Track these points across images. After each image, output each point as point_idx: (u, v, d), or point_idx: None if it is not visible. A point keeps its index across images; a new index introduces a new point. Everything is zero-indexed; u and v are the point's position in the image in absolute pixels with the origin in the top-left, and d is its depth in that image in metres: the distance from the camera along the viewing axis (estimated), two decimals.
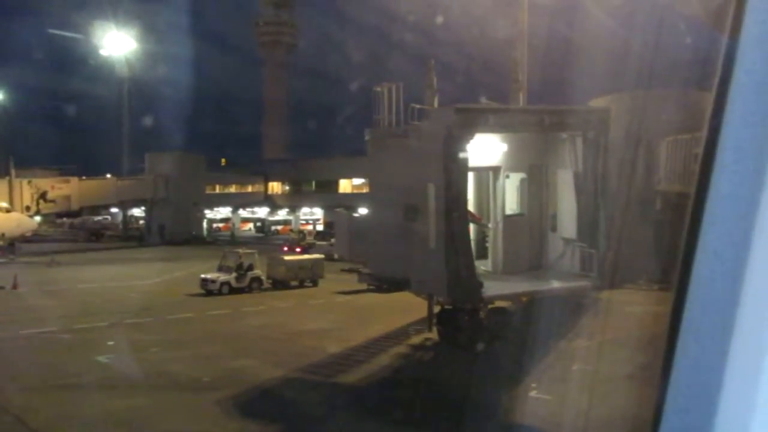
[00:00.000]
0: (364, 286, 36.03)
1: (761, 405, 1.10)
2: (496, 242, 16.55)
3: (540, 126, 14.62)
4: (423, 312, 22.13)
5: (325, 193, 70.72)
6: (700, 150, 1.28)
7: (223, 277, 32.53)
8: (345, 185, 71.42)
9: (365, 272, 38.85)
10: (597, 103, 17.45)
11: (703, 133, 1.26)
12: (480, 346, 15.43)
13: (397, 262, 16.04)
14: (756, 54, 1.17)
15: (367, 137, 18.38)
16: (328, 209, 67.58)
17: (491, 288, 14.13)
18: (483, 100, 17.15)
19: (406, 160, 15.51)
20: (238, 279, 32.71)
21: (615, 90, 16.21)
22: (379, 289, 36.54)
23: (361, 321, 24.98)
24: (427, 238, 14.54)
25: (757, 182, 1.14)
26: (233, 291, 32.07)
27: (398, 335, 23.18)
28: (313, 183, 74.88)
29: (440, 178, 13.86)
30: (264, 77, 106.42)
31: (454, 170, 13.38)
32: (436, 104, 18.59)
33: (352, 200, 59.76)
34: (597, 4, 17.18)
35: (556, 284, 15.35)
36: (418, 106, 18.39)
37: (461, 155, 13.49)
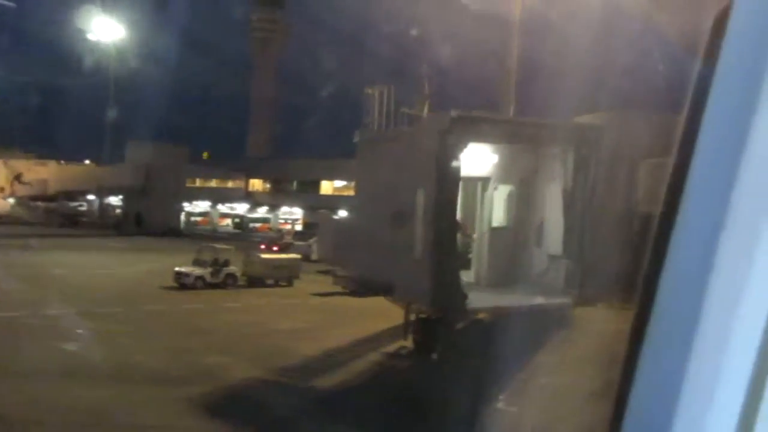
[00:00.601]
0: (339, 289, 36.62)
1: (716, 421, 1.13)
2: (480, 254, 16.35)
3: (534, 139, 14.48)
4: (397, 318, 22.04)
5: (306, 193, 70.56)
6: (669, 173, 1.31)
7: (198, 271, 32.19)
8: (326, 187, 71.35)
9: (342, 275, 38.81)
10: (581, 120, 17.25)
11: (674, 157, 1.28)
12: (450, 356, 15.28)
13: (381, 268, 15.84)
14: (731, 82, 1.19)
15: (356, 139, 18.14)
16: (308, 210, 67.26)
17: (475, 300, 13.89)
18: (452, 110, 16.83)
19: (397, 164, 15.33)
20: (213, 274, 32.37)
21: (594, 110, 16.26)
22: (354, 293, 36.91)
23: (336, 323, 24.67)
24: (413, 245, 14.29)
25: (723, 208, 1.16)
26: (208, 286, 31.72)
27: (372, 341, 23.05)
28: (295, 183, 74.71)
29: (431, 186, 13.65)
30: (253, 75, 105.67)
31: (446, 178, 13.16)
32: (426, 110, 18.52)
33: (333, 202, 59.52)
34: (578, 25, 17.20)
35: (540, 299, 15.20)
36: (408, 111, 18.25)
37: (454, 163, 13.28)
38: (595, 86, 15.51)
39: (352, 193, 67.88)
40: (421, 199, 14.14)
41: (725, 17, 1.21)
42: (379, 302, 21.58)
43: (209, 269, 32.43)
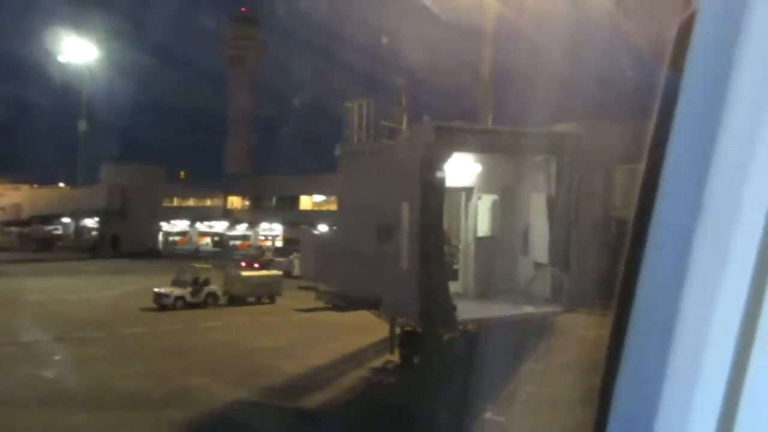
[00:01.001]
0: (322, 304, 36.48)
1: (698, 421, 1.16)
2: (466, 264, 16.24)
3: (517, 148, 14.46)
4: (382, 332, 21.93)
5: (286, 209, 69.90)
6: (641, 176, 1.34)
7: (177, 291, 31.89)
8: (306, 202, 70.86)
9: (324, 290, 38.59)
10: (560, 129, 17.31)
11: (645, 162, 1.31)
12: (439, 368, 15.19)
13: (366, 282, 15.71)
14: (698, 88, 1.21)
15: (337, 153, 18.02)
16: (288, 226, 66.89)
17: (464, 311, 13.74)
18: (425, 118, 16.75)
19: (380, 177, 15.23)
20: (193, 294, 32.18)
21: (569, 119, 16.37)
22: (337, 308, 36.69)
23: (320, 339, 24.75)
24: (399, 258, 14.13)
25: (695, 212, 1.19)
26: (188, 306, 31.48)
27: (358, 356, 22.88)
28: (274, 199, 74.07)
29: (416, 197, 13.54)
30: (229, 92, 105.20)
31: (431, 189, 13.05)
32: (405, 123, 18.40)
33: (313, 217, 59.17)
34: (549, 35, 17.39)
35: (528, 309, 15.12)
36: (388, 123, 18.17)
37: (438, 174, 13.19)
38: (569, 95, 15.56)
39: (332, 207, 68.05)
40: (406, 211, 14.01)
41: (691, 24, 1.22)
42: (363, 317, 21.43)
43: (189, 289, 32.19)
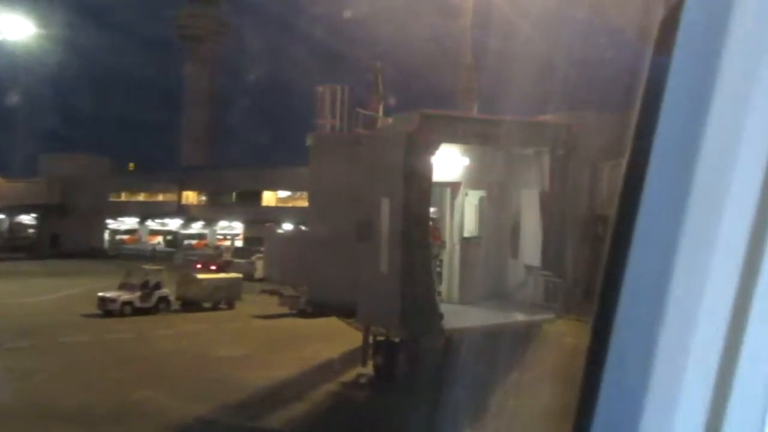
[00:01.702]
0: (286, 310, 36.36)
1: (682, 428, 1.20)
2: (451, 267, 16.08)
3: (508, 140, 14.32)
4: (351, 340, 21.73)
5: (247, 205, 68.92)
6: (624, 171, 1.36)
7: (125, 295, 31.60)
8: (269, 198, 70.31)
9: (289, 295, 38.32)
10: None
11: (628, 155, 1.34)
12: (418, 383, 14.94)
13: (339, 286, 15.43)
14: (686, 75, 1.25)
15: (309, 143, 17.67)
16: (249, 224, 66.26)
17: (450, 319, 13.52)
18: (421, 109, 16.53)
19: (357, 170, 15.01)
20: (142, 298, 31.90)
21: (555, 110, 16.37)
22: (302, 314, 36.50)
23: (283, 348, 24.64)
24: (378, 260, 13.91)
25: (682, 207, 1.22)
26: (137, 312, 31.22)
27: (326, 368, 22.72)
28: (234, 194, 73.19)
29: (398, 193, 13.36)
30: (185, 77, 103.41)
31: (416, 184, 12.89)
32: (381, 111, 18.27)
33: (277, 214, 58.66)
34: (533, 21, 17.44)
35: (519, 316, 15.01)
36: (364, 111, 17.93)
37: (424, 168, 12.96)
38: (555, 83, 15.71)
39: (297, 204, 67.65)
40: (386, 208, 13.83)
41: (678, 10, 1.25)
42: (330, 324, 21.24)
43: (138, 293, 31.94)
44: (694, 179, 1.21)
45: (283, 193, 69.19)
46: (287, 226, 49.65)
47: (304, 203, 65.99)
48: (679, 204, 1.22)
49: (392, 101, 19.97)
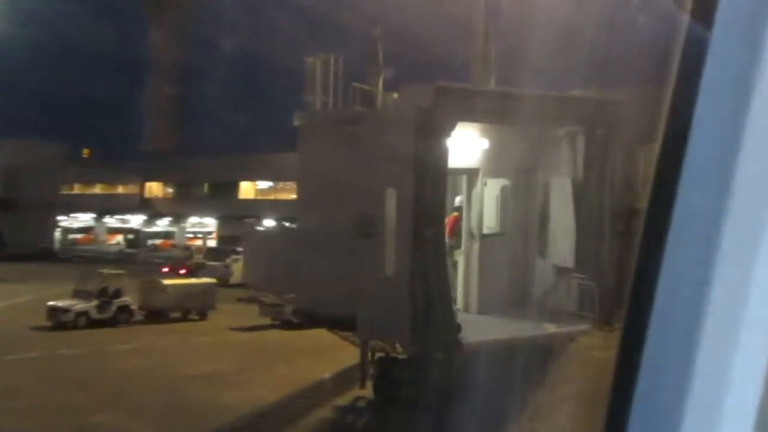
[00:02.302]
0: (267, 321, 36.42)
1: None
2: (469, 270, 15.90)
3: (539, 117, 14.14)
4: (345, 356, 21.66)
5: (221, 199, 69.49)
6: (656, 158, 1.40)
7: (79, 305, 31.65)
8: (247, 189, 70.36)
9: (271, 303, 38.18)
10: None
11: (661, 137, 1.38)
12: (428, 410, 14.59)
13: (336, 295, 15.15)
14: (729, 43, 1.27)
15: (297, 122, 17.50)
16: (223, 220, 66.38)
17: (470, 332, 13.33)
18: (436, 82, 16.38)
19: (356, 155, 14.77)
20: (100, 308, 32.02)
21: (577, 84, 16.35)
22: (286, 325, 36.50)
23: (264, 366, 25.02)
24: (382, 261, 13.78)
25: (727, 194, 1.23)
26: (93, 324, 31.41)
27: (316, 389, 22.67)
28: (206, 185, 73.65)
29: (407, 182, 13.19)
30: (147, 47, 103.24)
31: (429, 172, 12.77)
32: (381, 85, 17.97)
33: (256, 209, 58.74)
34: None
35: (550, 328, 14.86)
36: (361, 86, 17.67)
37: (439, 151, 12.76)
38: (580, 56, 15.42)
39: (281, 196, 67.77)
40: (392, 200, 13.64)
41: None
42: (321, 336, 21.16)
43: (95, 302, 31.92)
44: (738, 167, 1.20)
45: (264, 184, 69.40)
46: (269, 223, 49.66)
47: (289, 195, 66.30)
48: (722, 196, 1.22)
49: (393, 74, 19.36)
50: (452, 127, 13.12)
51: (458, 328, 13.02)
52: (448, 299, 13.18)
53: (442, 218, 13.89)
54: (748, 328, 1.20)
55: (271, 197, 67.11)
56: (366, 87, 18.04)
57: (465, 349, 13.16)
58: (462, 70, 22.89)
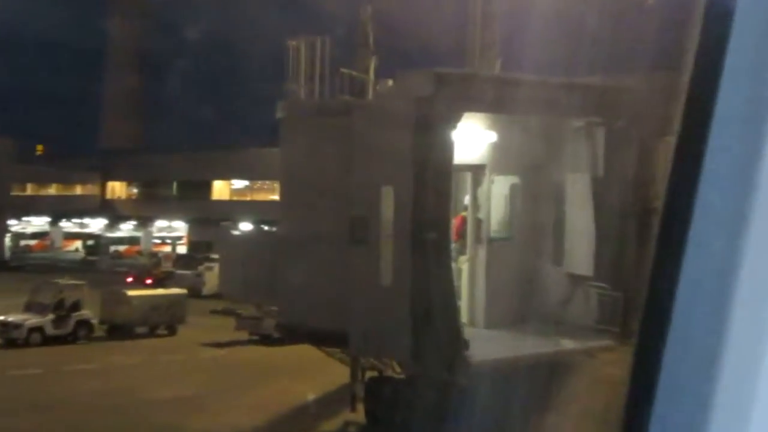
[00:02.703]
0: (245, 336, 36.32)
1: None
2: (474, 279, 15.78)
3: (553, 108, 14.04)
4: (330, 375, 21.56)
5: (192, 199, 69.10)
6: (673, 153, 1.44)
7: (33, 320, 31.64)
8: (221, 189, 70.18)
9: (249, 316, 37.98)
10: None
11: (679, 130, 1.42)
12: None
13: (326, 307, 15.12)
14: (753, 27, 1.29)
15: (280, 114, 17.23)
16: (195, 223, 66.20)
17: (478, 349, 13.15)
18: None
19: (348, 150, 14.59)
20: (56, 323, 32.02)
21: (587, 71, 16.01)
22: (265, 340, 36.36)
23: (241, 387, 25.15)
24: (378, 269, 13.64)
25: (750, 190, 1.26)
26: (49, 340, 31.44)
27: (301, 414, 22.58)
28: (175, 185, 73.28)
29: (406, 180, 13.00)
30: (107, 34, 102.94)
31: (431, 168, 12.60)
32: (372, 71, 17.97)
33: (231, 211, 58.47)
34: None
35: (568, 344, 14.76)
36: (350, 72, 17.57)
37: (443, 145, 12.65)
38: (590, 41, 15.38)
39: (258, 197, 67.51)
40: (389, 200, 13.45)
41: None
42: (304, 353, 21.08)
43: (50, 316, 31.90)
44: (761, 164, 1.21)
45: (240, 183, 69.28)
46: (246, 227, 49.59)
47: (268, 196, 66.15)
48: (745, 196, 1.24)
49: (385, 59, 19.26)
50: (457, 118, 12.99)
51: (465, 344, 12.86)
52: (453, 312, 13.04)
53: (447, 220, 13.77)
54: None
55: (248, 198, 67.00)
56: (355, 74, 17.93)
57: (472, 368, 13.01)
58: (461, 56, 22.78)
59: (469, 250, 15.89)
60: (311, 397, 24.50)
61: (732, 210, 1.26)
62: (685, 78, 1.37)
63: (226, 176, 69.16)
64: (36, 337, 31.38)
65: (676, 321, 1.32)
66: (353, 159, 14.44)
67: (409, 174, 12.92)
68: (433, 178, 12.78)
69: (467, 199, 15.99)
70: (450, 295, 13.07)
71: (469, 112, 13.44)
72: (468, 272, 15.84)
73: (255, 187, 68.11)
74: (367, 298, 14.05)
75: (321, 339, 16.86)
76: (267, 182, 66.12)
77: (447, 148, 12.90)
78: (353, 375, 19.53)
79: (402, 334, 13.14)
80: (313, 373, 23.95)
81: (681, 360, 1.32)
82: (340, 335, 15.12)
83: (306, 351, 19.90)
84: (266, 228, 34.03)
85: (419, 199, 12.76)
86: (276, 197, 64.62)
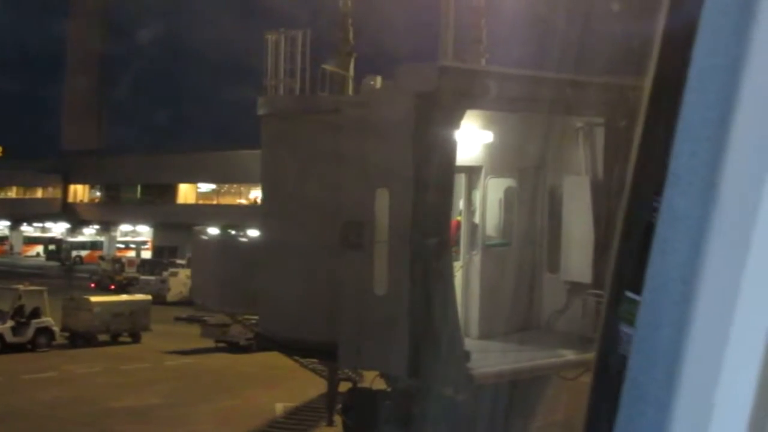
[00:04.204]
0: (211, 343, 36.18)
1: None
2: (467, 287, 15.27)
3: (555, 105, 13.61)
4: (302, 384, 21.28)
5: (157, 203, 69.09)
6: (635, 157, 1.49)
7: None
8: (187, 193, 70.09)
9: (215, 323, 37.56)
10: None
11: (641, 132, 1.49)
12: None
13: (313, 317, 14.63)
14: (720, 30, 1.29)
15: (262, 111, 16.63)
16: (159, 228, 66.33)
17: (480, 361, 12.65)
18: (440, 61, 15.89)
19: (338, 150, 14.06)
20: (15, 330, 32.41)
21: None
22: (234, 347, 36.11)
23: (207, 397, 25.66)
24: (371, 276, 13.00)
25: (715, 194, 1.28)
26: (7, 348, 31.68)
27: (271, 427, 22.31)
28: (139, 188, 72.89)
29: (404, 182, 12.41)
30: (66, 34, 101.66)
31: (433, 168, 12.12)
32: (351, 68, 17.82)
33: (198, 215, 58.26)
34: None
35: (568, 354, 14.30)
36: (332, 69, 17.22)
37: (445, 144, 12.09)
38: (582, 39, 14.94)
39: (225, 201, 67.33)
40: (384, 202, 12.87)
41: None
42: (274, 361, 20.72)
43: (9, 323, 32.34)
44: (728, 168, 1.24)
45: (206, 186, 69.31)
46: (213, 231, 49.60)
47: (235, 199, 66.05)
48: (710, 200, 1.26)
49: (363, 57, 19.11)
50: (461, 115, 12.49)
51: (467, 355, 12.33)
52: (454, 322, 12.53)
53: (448, 225, 13.25)
54: (737, 337, 1.24)
55: (214, 202, 66.77)
56: (335, 70, 17.43)
57: (474, 381, 12.49)
58: (444, 54, 22.42)
59: (462, 256, 15.41)
60: (284, 407, 24.21)
61: (697, 215, 1.26)
62: (648, 80, 1.37)
63: (192, 179, 69.23)
64: None
65: (639, 328, 1.33)
66: (344, 159, 13.89)
67: (407, 175, 12.42)
68: (435, 180, 12.29)
69: (461, 203, 15.50)
70: (451, 305, 12.57)
71: (473, 109, 13.02)
72: (462, 280, 15.38)
73: (222, 190, 67.84)
74: (360, 308, 13.49)
75: (305, 350, 16.33)
76: (234, 186, 65.96)
77: (450, 148, 12.36)
78: (331, 386, 19.06)
79: (399, 346, 12.60)
80: (284, 382, 23.80)
81: (644, 367, 1.32)
82: (327, 347, 14.57)
83: (274, 359, 19.77)
84: (233, 232, 33.80)
85: (419, 203, 12.25)
86: (243, 201, 65.13)
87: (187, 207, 66.94)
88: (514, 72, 14.09)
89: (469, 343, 14.22)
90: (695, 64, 1.29)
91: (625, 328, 1.40)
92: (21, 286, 35.94)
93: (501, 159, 15.39)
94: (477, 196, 15.35)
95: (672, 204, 1.31)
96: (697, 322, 1.27)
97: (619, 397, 1.36)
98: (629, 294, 1.39)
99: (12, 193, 78.79)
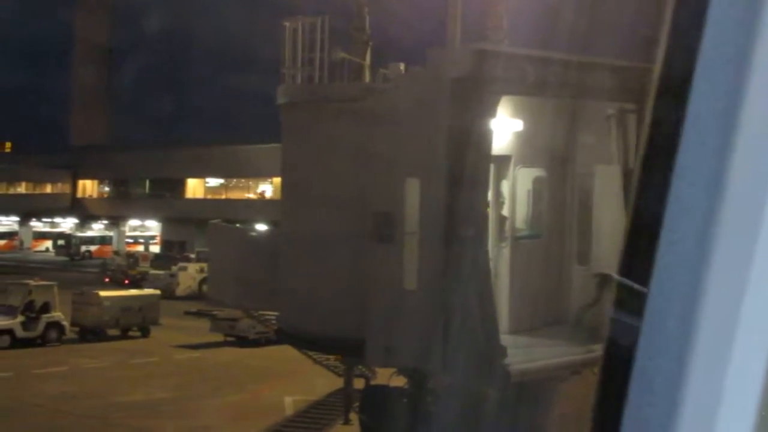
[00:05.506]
0: (220, 338, 35.96)
1: None
2: (498, 280, 14.77)
3: (588, 91, 13.19)
4: (313, 379, 20.89)
5: (165, 198, 68.86)
6: (643, 149, 1.47)
7: (1, 322, 31.95)
8: (195, 187, 69.94)
9: (225, 317, 37.23)
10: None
11: (650, 123, 1.45)
12: None
13: (339, 313, 14.24)
14: (728, 21, 1.28)
15: (282, 100, 16.23)
16: (168, 222, 66.25)
17: (516, 357, 12.17)
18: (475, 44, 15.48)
19: (364, 140, 13.58)
20: (26, 325, 32.22)
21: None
22: (243, 342, 35.81)
23: (217, 391, 25.56)
24: (401, 271, 12.55)
25: (724, 185, 1.27)
26: (18, 343, 31.61)
27: (285, 427, 21.97)
28: (147, 183, 72.65)
29: (437, 171, 11.95)
30: (76, 25, 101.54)
31: (468, 157, 11.57)
32: (368, 56, 17.38)
33: (207, 209, 58.32)
34: None
35: (598, 350, 13.62)
36: (350, 57, 16.85)
37: (481, 131, 11.58)
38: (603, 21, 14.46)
39: (234, 195, 67.05)
40: (414, 192, 12.42)
41: None
42: (281, 354, 20.36)
43: (20, 318, 32.06)
44: (737, 158, 1.22)
45: (215, 181, 69.23)
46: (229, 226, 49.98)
47: (243, 194, 65.77)
48: (719, 191, 1.24)
49: (378, 45, 18.69)
50: (496, 102, 12.03)
51: (503, 351, 11.86)
52: (492, 317, 12.04)
53: (485, 216, 12.78)
54: (744, 329, 1.24)
55: (223, 196, 66.56)
56: (352, 58, 17.00)
57: (512, 377, 12.01)
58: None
59: (491, 249, 14.95)
60: (291, 401, 23.89)
61: (705, 207, 1.25)
62: (657, 70, 1.35)
63: (200, 174, 69.21)
64: (5, 339, 31.38)
65: (647, 320, 1.32)
66: (373, 148, 13.45)
67: (440, 164, 11.99)
68: (470, 169, 11.80)
69: (489, 194, 15.04)
70: (489, 299, 12.10)
71: (510, 94, 12.55)
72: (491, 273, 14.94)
73: (230, 185, 67.58)
74: (390, 304, 13.06)
75: (329, 347, 15.93)
76: (242, 180, 65.76)
77: (485, 136, 11.90)
78: (348, 382, 18.66)
79: (432, 342, 12.14)
80: (295, 377, 23.50)
81: (651, 359, 1.32)
82: (353, 343, 14.15)
83: (283, 352, 19.49)
84: (281, 225, 33.54)
85: (454, 193, 11.77)
86: (252, 195, 64.80)
87: (195, 201, 66.70)
88: (551, 56, 13.56)
89: (502, 339, 13.86)
90: (703, 56, 1.29)
91: (632, 320, 1.36)
92: (32, 281, 35.79)
93: (531, 148, 14.93)
94: (505, 186, 14.91)
95: (680, 196, 1.31)
96: (705, 314, 1.28)
97: (627, 389, 1.36)
98: (636, 286, 1.37)
99: (22, 188, 78.85)
